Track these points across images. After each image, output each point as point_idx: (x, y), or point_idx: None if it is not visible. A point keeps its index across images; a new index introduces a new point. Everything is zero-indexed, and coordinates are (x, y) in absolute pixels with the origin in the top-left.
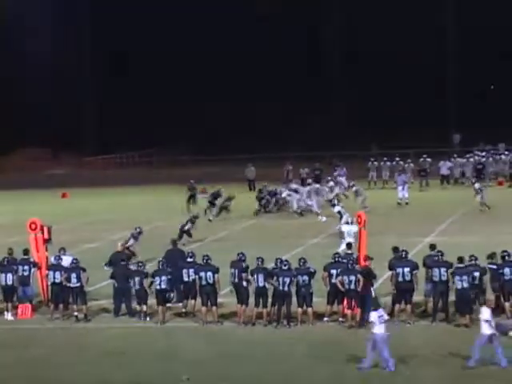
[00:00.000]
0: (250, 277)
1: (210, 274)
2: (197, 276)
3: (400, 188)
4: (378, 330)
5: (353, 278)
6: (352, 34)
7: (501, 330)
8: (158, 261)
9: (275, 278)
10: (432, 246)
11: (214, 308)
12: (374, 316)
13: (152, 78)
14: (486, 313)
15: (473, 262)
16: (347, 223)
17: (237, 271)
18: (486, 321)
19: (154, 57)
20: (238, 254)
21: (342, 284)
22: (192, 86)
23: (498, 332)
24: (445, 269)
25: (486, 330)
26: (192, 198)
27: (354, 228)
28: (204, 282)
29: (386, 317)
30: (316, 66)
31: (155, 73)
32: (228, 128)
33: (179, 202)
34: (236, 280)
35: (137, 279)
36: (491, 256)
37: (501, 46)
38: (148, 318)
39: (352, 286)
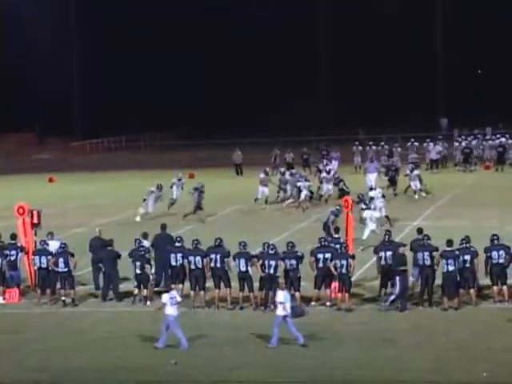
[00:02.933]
0: (232, 262)
1: (198, 258)
2: (186, 260)
3: (374, 176)
4: (170, 311)
5: (344, 262)
6: (340, 21)
7: (296, 313)
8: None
9: (261, 261)
10: (419, 230)
11: (202, 292)
12: (165, 297)
13: (140, 63)
14: (280, 295)
15: (463, 245)
16: (369, 208)
17: (219, 256)
18: (280, 303)
19: (143, 45)
20: (216, 240)
21: (336, 268)
22: (181, 72)
23: (295, 314)
24: (428, 253)
25: (280, 311)
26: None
27: (376, 214)
28: (193, 267)
29: (178, 299)
30: (304, 53)
31: (143, 59)
32: (217, 114)
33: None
34: (218, 265)
35: (138, 263)
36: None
37: (487, 31)
38: (149, 303)
39: (344, 270)
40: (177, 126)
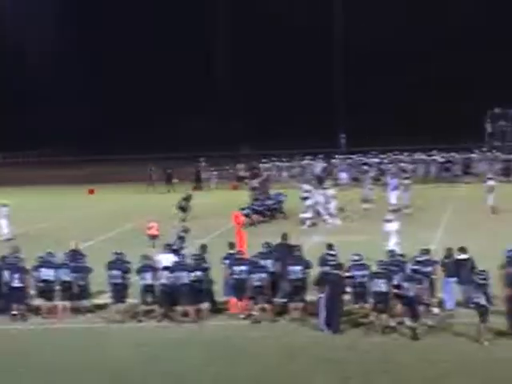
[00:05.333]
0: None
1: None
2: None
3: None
4: None
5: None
6: (235, 33)
7: None
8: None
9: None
10: (329, 246)
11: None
12: None
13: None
14: None
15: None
16: None
17: (120, 272)
18: None
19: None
20: (117, 254)
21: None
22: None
23: None
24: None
25: None
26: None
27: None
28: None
29: None
30: (195, 67)
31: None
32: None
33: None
34: (120, 280)
35: (16, 275)
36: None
37: (387, 47)
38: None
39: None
40: (74, 141)
